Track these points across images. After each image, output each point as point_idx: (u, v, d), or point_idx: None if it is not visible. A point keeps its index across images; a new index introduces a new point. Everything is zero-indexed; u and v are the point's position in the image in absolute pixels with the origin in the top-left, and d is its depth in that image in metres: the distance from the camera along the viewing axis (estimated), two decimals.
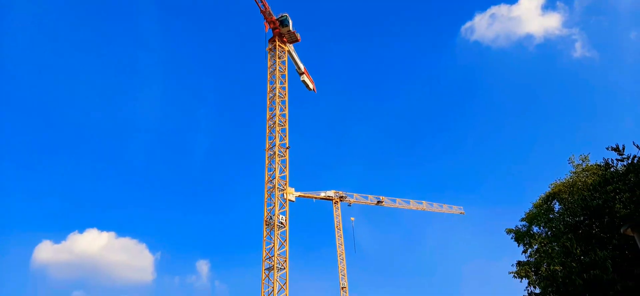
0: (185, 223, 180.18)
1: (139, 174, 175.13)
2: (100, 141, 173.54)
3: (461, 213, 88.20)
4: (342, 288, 73.07)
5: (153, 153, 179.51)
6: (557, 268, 18.29)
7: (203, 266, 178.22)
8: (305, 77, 69.28)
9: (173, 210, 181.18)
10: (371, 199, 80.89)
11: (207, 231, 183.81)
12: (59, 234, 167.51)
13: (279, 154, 58.80)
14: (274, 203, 57.37)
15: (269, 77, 62.83)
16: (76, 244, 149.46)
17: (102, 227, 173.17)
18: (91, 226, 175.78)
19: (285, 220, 57.15)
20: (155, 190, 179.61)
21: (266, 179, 58.76)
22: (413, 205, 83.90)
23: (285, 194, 59.08)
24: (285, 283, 54.02)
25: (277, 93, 61.26)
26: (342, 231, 77.40)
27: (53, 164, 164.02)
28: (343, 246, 76.41)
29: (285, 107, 60.98)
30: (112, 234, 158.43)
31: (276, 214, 56.51)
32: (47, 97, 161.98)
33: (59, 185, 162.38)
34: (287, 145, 59.00)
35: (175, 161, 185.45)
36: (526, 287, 22.79)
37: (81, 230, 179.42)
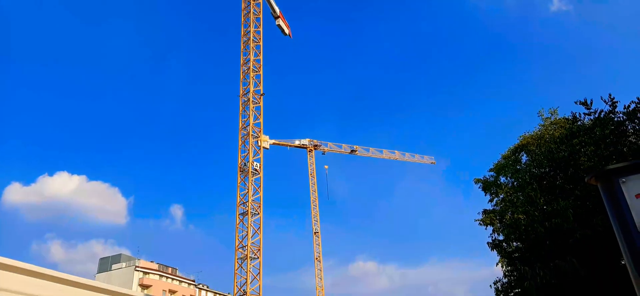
0: (158, 168, 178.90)
1: (110, 117, 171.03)
2: (68, 81, 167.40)
3: (432, 162, 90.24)
4: (315, 233, 74.94)
5: (123, 96, 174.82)
6: (520, 216, 19.03)
7: (177, 210, 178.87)
8: (280, 21, 67.54)
9: (145, 154, 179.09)
10: (345, 148, 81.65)
11: (181, 177, 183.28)
12: (27, 176, 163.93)
13: (253, 101, 58.12)
14: (248, 150, 57.25)
15: (242, 20, 61.02)
16: (46, 187, 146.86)
17: (73, 170, 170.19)
18: (61, 169, 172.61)
19: (260, 167, 57.31)
20: (127, 134, 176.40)
21: (240, 126, 58.33)
22: (386, 154, 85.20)
23: (259, 141, 58.90)
24: (260, 227, 54.90)
25: (251, 38, 59.75)
26: (315, 179, 78.42)
27: (18, 104, 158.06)
28: (316, 193, 77.68)
29: (260, 52, 59.75)
30: (83, 177, 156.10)
31: (250, 161, 56.52)
32: (16, 35, 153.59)
33: (25, 126, 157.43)
34: (261, 92, 58.28)
35: (147, 105, 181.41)
36: (490, 234, 23.75)
37: (51, 172, 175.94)
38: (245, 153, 57.41)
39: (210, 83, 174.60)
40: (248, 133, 57.64)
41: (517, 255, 20.78)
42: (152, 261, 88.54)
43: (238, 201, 55.85)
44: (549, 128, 24.43)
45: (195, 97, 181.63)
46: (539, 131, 24.66)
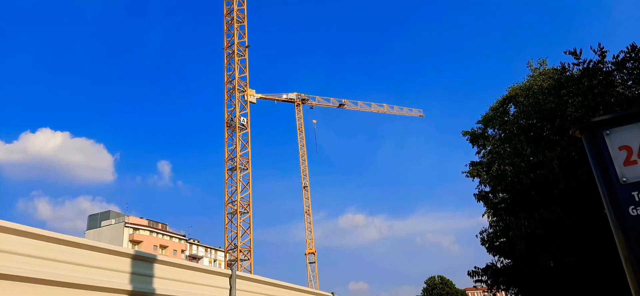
0: (143, 124, 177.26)
1: (91, 72, 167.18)
2: (45, 31, 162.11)
3: (420, 115, 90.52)
4: (304, 187, 75.69)
5: (103, 50, 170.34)
6: (507, 168, 19.37)
7: (165, 166, 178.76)
8: None
9: (130, 110, 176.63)
10: (333, 102, 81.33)
11: (168, 132, 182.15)
12: (8, 134, 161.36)
13: (238, 53, 57.13)
14: (235, 104, 56.75)
15: None
16: (29, 144, 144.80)
17: (55, 127, 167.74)
18: (43, 125, 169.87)
19: (247, 122, 57.04)
20: (109, 89, 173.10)
21: (225, 79, 57.58)
22: (374, 107, 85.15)
23: (245, 95, 58.34)
24: (248, 182, 55.22)
25: None
26: (304, 134, 78.44)
27: None
28: (305, 148, 77.87)
29: (244, 2, 58.20)
30: (66, 134, 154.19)
31: (237, 116, 56.15)
32: None
33: (2, 82, 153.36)
34: (246, 44, 57.20)
35: (129, 59, 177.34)
36: (477, 185, 24.23)
37: (33, 129, 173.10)
38: (232, 108, 56.96)
39: (194, 35, 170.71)
40: (234, 88, 56.96)
41: (502, 205, 21.31)
42: (141, 218, 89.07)
43: (226, 156, 55.87)
44: (538, 79, 24.46)
45: (178, 50, 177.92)
46: (528, 82, 24.68)
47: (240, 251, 52.22)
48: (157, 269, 5.82)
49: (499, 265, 22.25)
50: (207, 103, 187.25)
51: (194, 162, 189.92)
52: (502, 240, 21.62)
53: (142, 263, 5.60)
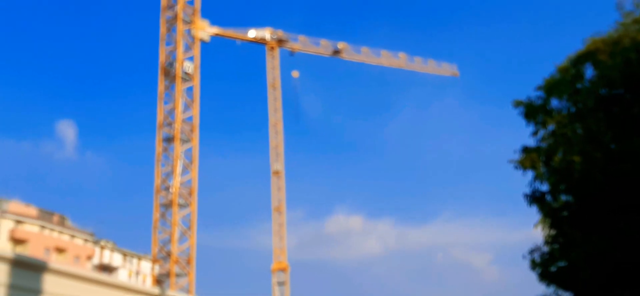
0: (35, 66, 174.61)
1: None
2: None
3: (454, 74, 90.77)
4: (275, 172, 75.62)
5: None
6: (575, 158, 19.55)
7: (66, 129, 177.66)
8: None
9: (13, 38, 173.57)
10: (325, 46, 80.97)
11: (72, 77, 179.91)
12: None
13: None
14: (177, 42, 56.17)
15: None
16: None
17: None
18: None
19: (194, 70, 56.63)
20: None
21: (164, 4, 56.79)
22: (385, 58, 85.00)
23: (193, 30, 57.70)
24: (192, 161, 55.14)
25: None
26: (279, 92, 78.15)
27: None
28: (280, 114, 77.70)
29: None
30: None
31: (179, 60, 55.65)
32: None
33: None
34: None
35: None
36: (531, 181, 24.45)
37: None
38: (172, 48, 56.35)
39: None
40: (176, 17, 56.30)
41: (565, 213, 21.57)
42: (28, 205, 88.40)
43: (160, 120, 55.52)
44: (631, 27, 24.49)
45: None
46: (616, 32, 24.71)
47: (176, 262, 52.39)
48: (49, 283, 5.81)
49: None
50: (135, 37, 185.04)
51: (112, 125, 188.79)
52: (561, 263, 21.91)
53: (26, 273, 5.58)
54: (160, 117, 55.81)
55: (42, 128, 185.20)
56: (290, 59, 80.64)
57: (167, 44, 56.94)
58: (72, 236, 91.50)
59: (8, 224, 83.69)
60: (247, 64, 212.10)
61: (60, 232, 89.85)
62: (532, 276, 23.39)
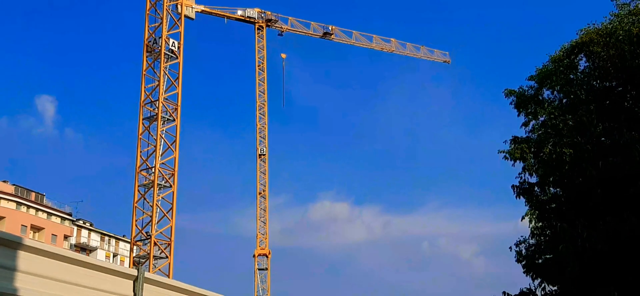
0: (14, 38, 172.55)
1: None
2: None
3: (446, 61, 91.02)
4: (260, 155, 75.63)
5: None
6: (565, 150, 19.66)
7: (46, 104, 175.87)
8: None
9: None
10: (315, 29, 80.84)
11: (54, 51, 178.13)
12: None
13: None
14: (161, 18, 55.75)
15: None
16: None
17: None
18: None
19: (179, 47, 56.28)
20: None
21: None
22: (377, 43, 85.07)
23: (179, 5, 57.25)
24: (175, 141, 54.94)
25: None
26: (265, 74, 77.96)
27: None
28: (265, 96, 77.54)
29: None
30: None
31: (164, 36, 55.26)
32: None
33: None
34: None
35: None
36: (519, 173, 24.57)
37: None
38: (157, 25, 55.92)
39: None
40: None
41: (553, 206, 21.72)
42: (5, 182, 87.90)
43: (143, 98, 55.16)
44: (626, 19, 24.61)
45: None
46: (611, 24, 24.83)
47: (155, 244, 52.30)
48: (24, 261, 5.74)
49: (539, 294, 22.85)
50: (119, 12, 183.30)
51: (93, 101, 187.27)
52: (548, 256, 22.08)
53: (1, 249, 5.51)
54: (142, 95, 55.47)
55: (22, 102, 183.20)
56: (279, 40, 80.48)
57: (152, 20, 56.50)
58: (49, 214, 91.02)
59: None
60: (233, 42, 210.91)
61: (37, 210, 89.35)
62: (518, 268, 23.58)
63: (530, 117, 27.26)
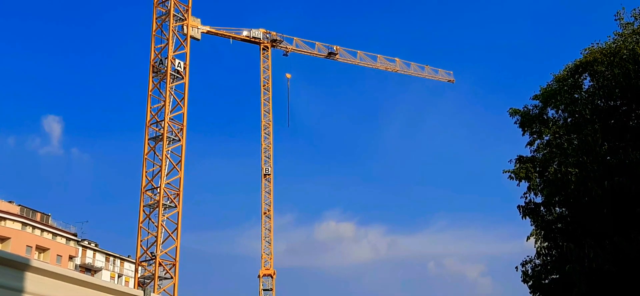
0: (22, 59, 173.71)
1: None
2: None
3: (450, 81, 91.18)
4: (265, 175, 75.65)
5: None
6: (571, 169, 19.64)
7: (53, 125, 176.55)
8: None
9: None
10: (319, 49, 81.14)
11: (60, 72, 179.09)
12: None
13: None
14: (167, 39, 56.05)
15: None
16: None
17: None
18: None
19: (184, 68, 56.51)
20: None
21: (155, 1, 56.72)
22: (381, 63, 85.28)
23: (185, 27, 57.59)
24: (180, 162, 54.98)
25: None
26: (271, 94, 78.21)
27: None
28: (271, 116, 77.76)
29: None
30: None
31: (170, 57, 55.53)
32: None
33: None
34: None
35: None
36: (524, 193, 24.54)
37: None
38: (163, 45, 56.19)
39: None
40: (168, 13, 56.18)
41: (559, 225, 21.65)
42: (11, 202, 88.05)
43: (148, 118, 55.34)
44: (630, 39, 24.66)
45: None
46: (615, 43, 24.89)
47: (160, 264, 52.18)
48: (30, 281, 5.76)
49: None
50: (126, 34, 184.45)
51: (99, 122, 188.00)
52: (554, 276, 21.98)
53: (6, 270, 5.52)
54: (147, 115, 55.65)
55: (29, 122, 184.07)
56: (284, 60, 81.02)
57: (158, 41, 56.78)
58: (55, 235, 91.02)
59: None
60: (239, 63, 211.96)
61: (43, 230, 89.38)
62: (525, 289, 23.49)
63: (535, 136, 27.27)
